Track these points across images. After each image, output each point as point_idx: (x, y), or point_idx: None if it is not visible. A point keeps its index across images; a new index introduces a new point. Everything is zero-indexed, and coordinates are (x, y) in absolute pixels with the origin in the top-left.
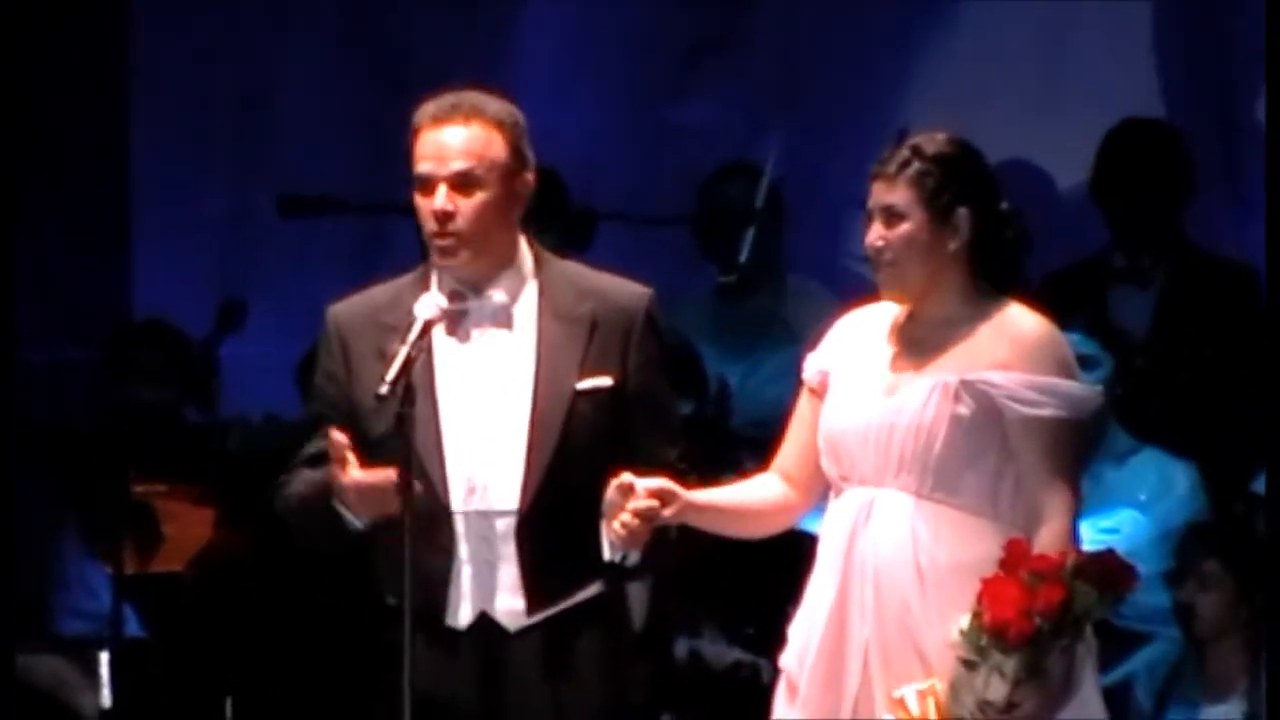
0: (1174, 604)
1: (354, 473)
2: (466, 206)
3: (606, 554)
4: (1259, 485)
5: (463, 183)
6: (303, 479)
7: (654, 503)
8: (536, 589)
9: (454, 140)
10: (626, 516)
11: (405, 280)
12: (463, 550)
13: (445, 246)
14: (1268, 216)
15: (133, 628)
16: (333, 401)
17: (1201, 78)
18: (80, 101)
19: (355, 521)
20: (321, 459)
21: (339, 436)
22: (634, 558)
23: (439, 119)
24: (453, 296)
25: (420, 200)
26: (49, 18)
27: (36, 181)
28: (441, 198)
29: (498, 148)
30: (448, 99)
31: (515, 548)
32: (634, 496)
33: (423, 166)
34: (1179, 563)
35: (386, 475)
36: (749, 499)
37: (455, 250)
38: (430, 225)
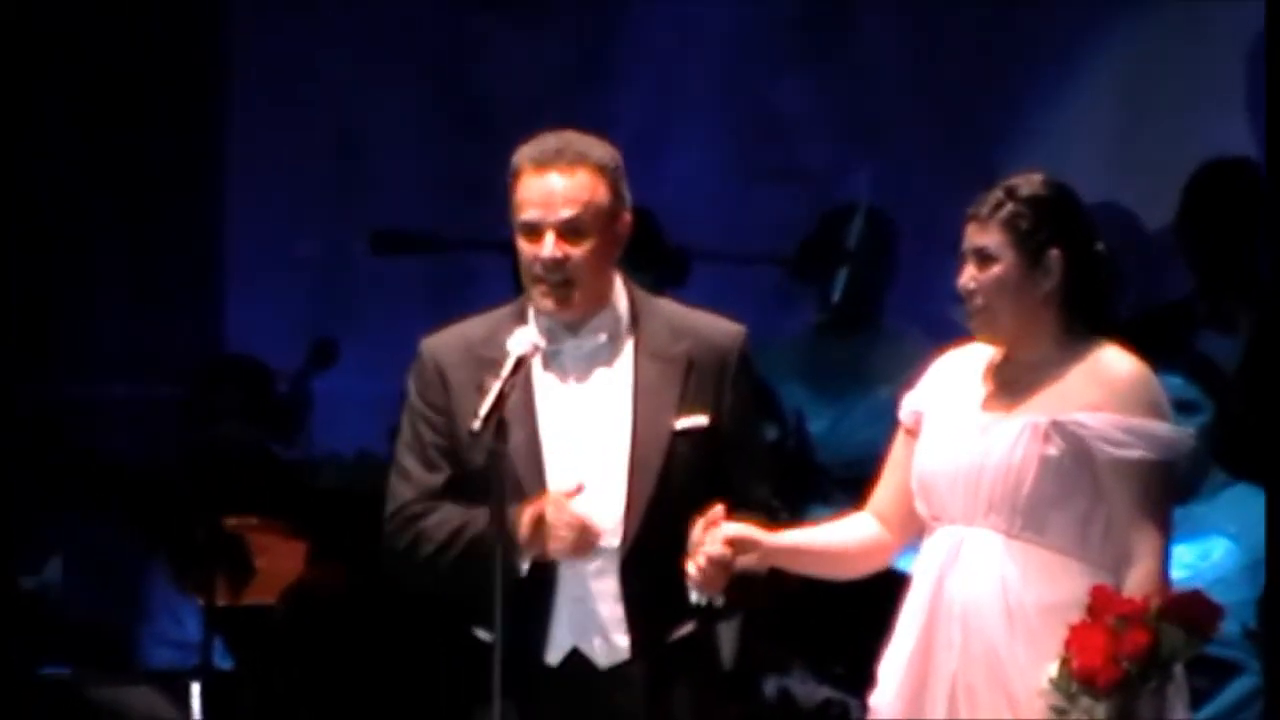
0: (1264, 637)
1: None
2: (576, 254)
3: (692, 596)
4: None
5: (570, 230)
6: (457, 513)
7: (727, 552)
8: (638, 628)
9: (560, 187)
10: (701, 560)
11: (501, 314)
12: (558, 588)
13: (557, 294)
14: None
15: (222, 660)
16: (440, 433)
17: None
18: (176, 139)
19: (523, 563)
20: (446, 493)
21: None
22: (719, 599)
23: (543, 164)
24: (550, 335)
25: (525, 245)
26: (148, 57)
27: (129, 218)
28: (550, 245)
29: (602, 193)
30: (550, 142)
31: (618, 586)
32: (713, 541)
33: (530, 214)
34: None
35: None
36: (840, 540)
37: (568, 296)
38: (536, 270)
